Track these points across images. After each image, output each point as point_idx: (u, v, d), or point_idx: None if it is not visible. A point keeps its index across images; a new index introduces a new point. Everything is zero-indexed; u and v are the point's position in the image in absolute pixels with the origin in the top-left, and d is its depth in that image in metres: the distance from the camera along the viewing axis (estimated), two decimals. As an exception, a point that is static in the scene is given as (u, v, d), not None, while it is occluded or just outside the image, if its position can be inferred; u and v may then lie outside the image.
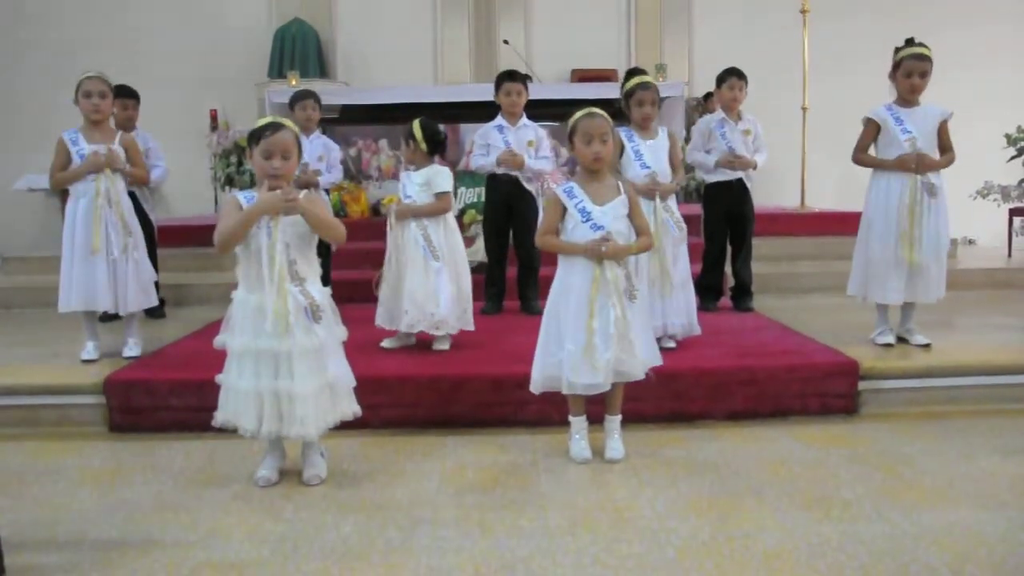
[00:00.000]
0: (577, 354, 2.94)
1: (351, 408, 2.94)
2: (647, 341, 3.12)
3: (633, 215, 3.06)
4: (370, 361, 3.80)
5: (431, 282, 3.93)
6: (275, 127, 2.78)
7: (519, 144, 4.79)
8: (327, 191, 5.22)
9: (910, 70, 3.86)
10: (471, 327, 4.09)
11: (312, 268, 2.86)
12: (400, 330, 4.02)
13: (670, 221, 3.86)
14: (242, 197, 2.82)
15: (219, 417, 2.87)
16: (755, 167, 4.92)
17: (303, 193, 2.82)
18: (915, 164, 3.82)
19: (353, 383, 2.95)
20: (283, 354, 2.76)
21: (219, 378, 2.88)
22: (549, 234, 3.05)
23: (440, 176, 4.01)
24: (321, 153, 4.96)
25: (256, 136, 2.78)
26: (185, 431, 3.46)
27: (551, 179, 5.24)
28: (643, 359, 3.05)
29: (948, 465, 3.02)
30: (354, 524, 2.59)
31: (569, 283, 3.00)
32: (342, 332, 2.92)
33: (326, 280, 3.15)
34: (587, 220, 2.97)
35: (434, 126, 4.07)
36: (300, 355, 2.76)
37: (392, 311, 4.04)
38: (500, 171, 4.82)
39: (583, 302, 2.94)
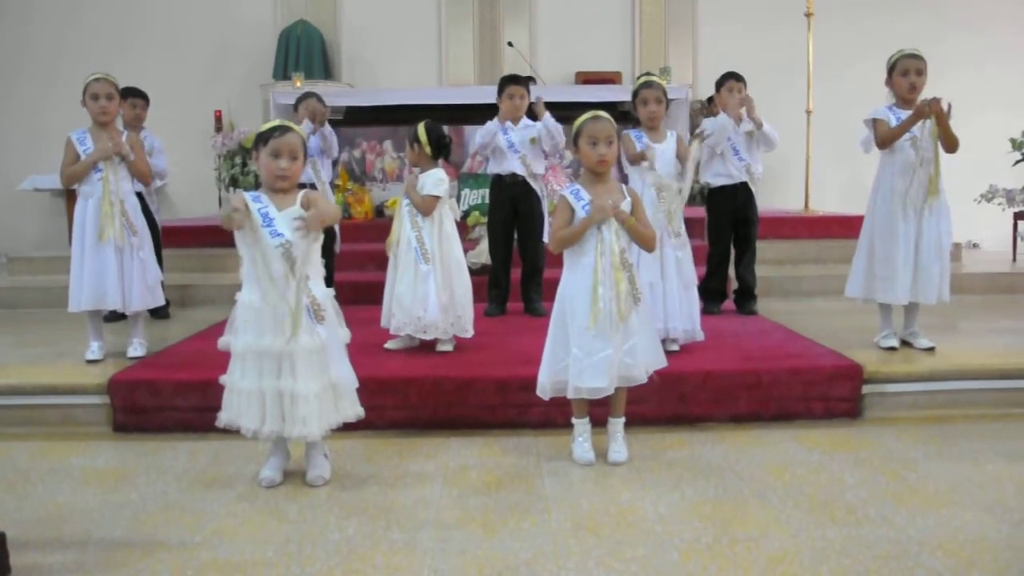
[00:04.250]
0: (581, 358, 2.95)
1: (354, 410, 2.95)
2: (652, 344, 3.12)
3: (637, 214, 3.07)
4: (374, 362, 3.80)
5: (419, 286, 3.91)
6: (283, 129, 2.84)
7: (522, 142, 4.81)
8: (332, 185, 5.27)
9: (906, 68, 3.88)
10: (467, 334, 4.06)
11: (315, 268, 2.87)
12: (389, 330, 4.02)
13: (666, 227, 3.87)
14: (249, 197, 2.84)
15: (223, 417, 2.88)
16: (760, 125, 4.83)
17: (300, 194, 2.86)
18: (929, 108, 3.75)
19: (356, 384, 2.95)
20: (285, 354, 2.77)
21: (223, 379, 2.89)
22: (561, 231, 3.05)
23: (431, 179, 3.95)
24: (322, 147, 5.13)
25: (264, 137, 2.82)
26: (189, 431, 3.47)
27: (555, 180, 5.25)
28: (646, 363, 3.06)
29: (953, 469, 3.02)
30: (358, 525, 2.59)
31: (575, 287, 3.01)
32: (345, 334, 2.94)
33: (329, 281, 3.15)
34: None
35: (439, 130, 4.06)
36: (302, 355, 2.78)
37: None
38: (507, 171, 4.84)
39: (588, 306, 2.95)
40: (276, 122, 2.89)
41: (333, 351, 2.86)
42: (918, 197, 3.86)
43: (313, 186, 4.93)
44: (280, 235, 2.77)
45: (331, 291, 2.91)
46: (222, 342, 2.87)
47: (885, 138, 3.91)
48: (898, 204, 3.89)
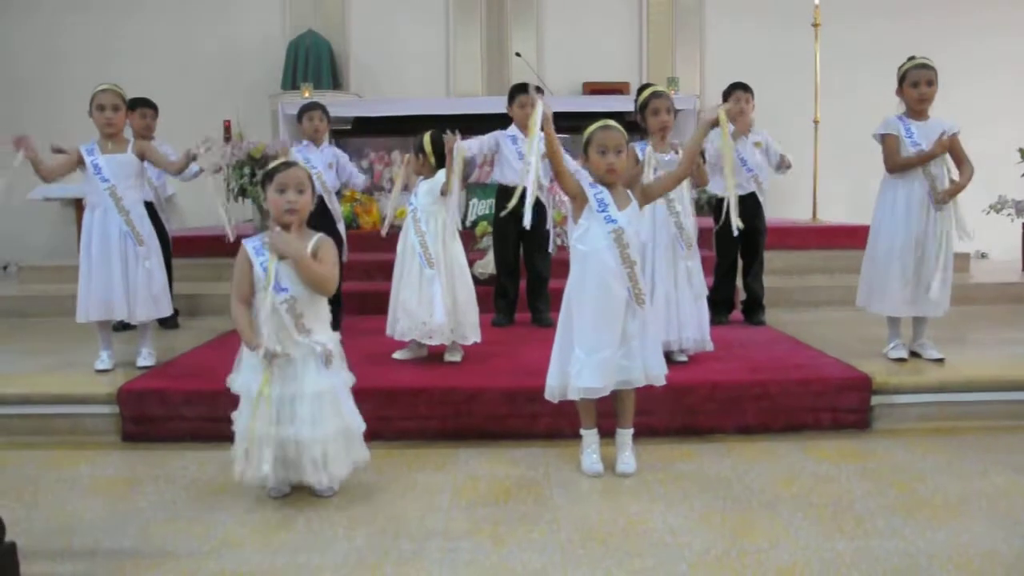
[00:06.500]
0: (582, 358, 2.96)
1: (362, 453, 2.92)
2: (653, 351, 3.10)
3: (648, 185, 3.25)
4: (383, 372, 3.81)
5: (424, 291, 3.92)
6: (288, 164, 2.86)
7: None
8: (339, 195, 5.26)
9: (916, 79, 3.88)
10: (470, 341, 4.05)
11: (320, 317, 2.85)
12: (394, 337, 4.03)
13: (679, 238, 3.88)
14: (250, 247, 2.83)
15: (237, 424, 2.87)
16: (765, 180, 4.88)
17: (315, 239, 2.84)
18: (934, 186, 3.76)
19: (363, 427, 2.93)
20: (285, 400, 2.75)
21: (229, 380, 2.88)
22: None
23: (436, 183, 4.01)
24: (331, 161, 5.06)
25: (270, 174, 2.83)
26: (198, 441, 3.48)
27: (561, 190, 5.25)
28: (644, 366, 3.04)
29: (962, 482, 3.00)
30: (366, 536, 2.60)
31: (583, 286, 3.01)
32: (350, 378, 2.92)
33: (335, 325, 3.13)
34: (603, 211, 3.01)
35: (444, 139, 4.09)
36: (308, 401, 2.75)
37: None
38: (513, 183, 4.83)
39: (596, 306, 2.97)
40: (280, 160, 2.91)
41: (341, 395, 2.86)
42: (922, 208, 3.86)
43: (320, 198, 4.92)
44: (284, 290, 2.76)
45: (337, 335, 2.90)
46: (230, 380, 2.86)
47: (898, 166, 3.91)
48: (900, 215, 3.89)
